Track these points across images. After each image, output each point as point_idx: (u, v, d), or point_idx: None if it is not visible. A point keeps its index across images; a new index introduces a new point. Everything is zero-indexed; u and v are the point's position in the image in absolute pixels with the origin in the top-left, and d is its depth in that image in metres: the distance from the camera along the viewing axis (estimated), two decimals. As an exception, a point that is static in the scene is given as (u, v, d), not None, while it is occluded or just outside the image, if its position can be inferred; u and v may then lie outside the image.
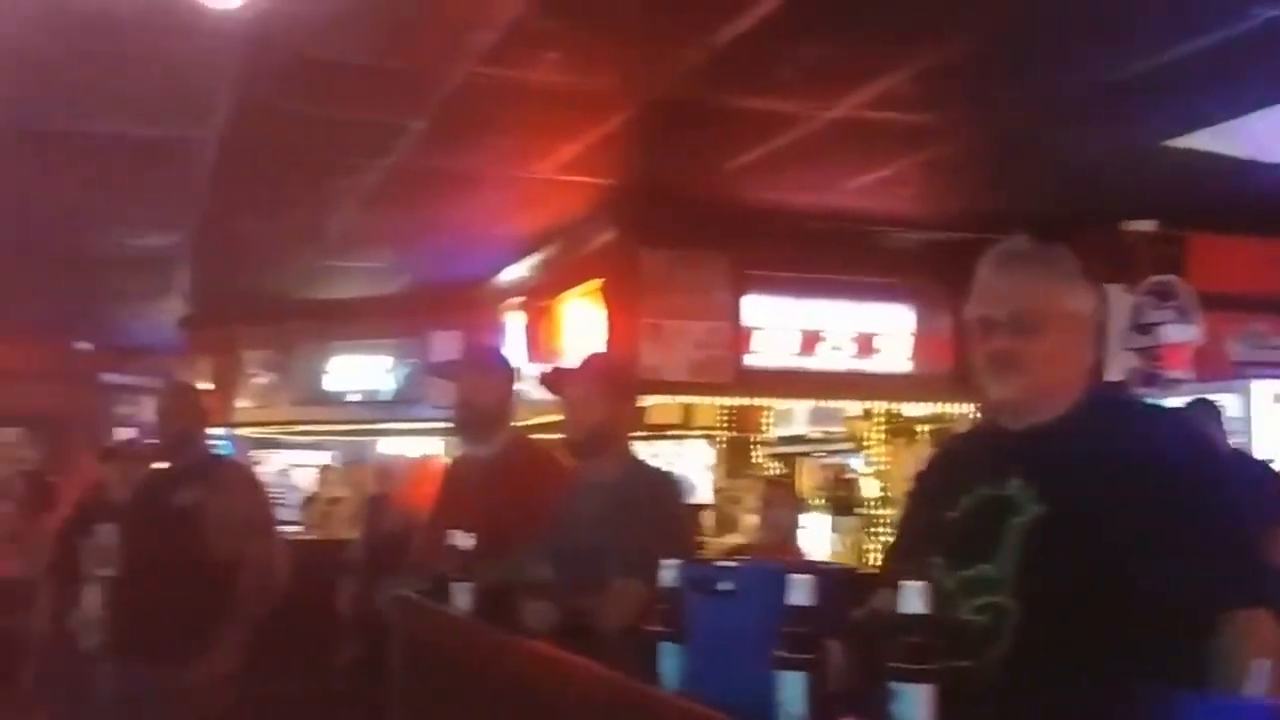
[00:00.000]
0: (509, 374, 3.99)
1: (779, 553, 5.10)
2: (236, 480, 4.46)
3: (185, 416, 4.45)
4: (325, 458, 10.45)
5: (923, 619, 1.55)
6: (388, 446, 10.02)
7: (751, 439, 7.49)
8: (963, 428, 6.28)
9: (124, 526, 4.30)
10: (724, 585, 1.84)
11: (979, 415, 5.29)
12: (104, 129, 5.03)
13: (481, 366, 4.00)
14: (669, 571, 1.95)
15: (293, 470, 10.49)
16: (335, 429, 9.77)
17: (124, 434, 11.19)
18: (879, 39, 3.94)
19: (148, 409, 11.51)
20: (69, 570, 4.75)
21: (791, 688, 1.63)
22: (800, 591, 1.66)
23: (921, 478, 2.22)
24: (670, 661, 1.89)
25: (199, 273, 7.95)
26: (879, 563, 6.65)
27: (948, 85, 4.32)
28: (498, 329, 7.87)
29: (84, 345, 10.90)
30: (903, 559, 2.11)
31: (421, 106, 4.55)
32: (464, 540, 3.10)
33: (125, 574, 4.20)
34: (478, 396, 3.78)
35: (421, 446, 8.59)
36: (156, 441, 4.60)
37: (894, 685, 1.51)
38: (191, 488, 4.18)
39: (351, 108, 4.56)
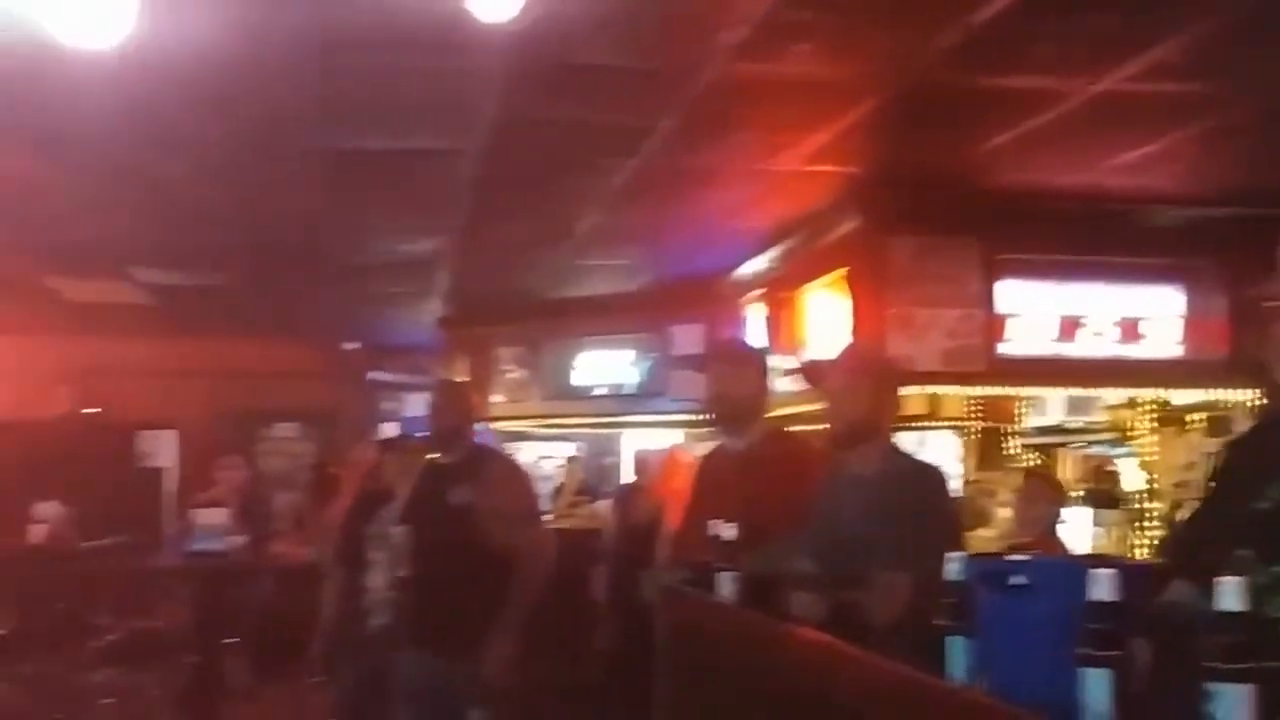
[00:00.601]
0: (763, 366, 4.02)
1: (1040, 547, 4.92)
2: (505, 473, 4.66)
3: (456, 412, 4.69)
4: (571, 450, 10.78)
5: (1242, 616, 1.48)
6: (631, 439, 10.24)
7: (1004, 430, 7.24)
8: (1245, 416, 5.90)
9: (407, 521, 4.57)
10: (1017, 579, 1.80)
11: (1262, 402, 4.94)
12: (375, 145, 5.36)
13: (735, 359, 4.05)
14: (955, 565, 1.93)
15: (542, 462, 10.85)
16: (582, 422, 10.05)
17: (389, 428, 11.92)
18: (1148, 6, 3.73)
19: (410, 404, 12.23)
20: (354, 556, 5.09)
21: (1096, 686, 1.58)
22: (1103, 586, 1.61)
23: (1222, 466, 2.11)
24: (958, 656, 1.87)
25: (457, 275, 8.34)
26: (1149, 557, 6.35)
27: (1221, 53, 4.05)
28: (739, 321, 7.91)
29: (353, 345, 11.62)
30: (1200, 550, 2.01)
31: (671, 106, 4.63)
32: (727, 531, 3.15)
33: (416, 571, 4.46)
34: (733, 389, 3.82)
35: (664, 439, 8.73)
36: (428, 435, 4.86)
37: (1211, 686, 1.45)
38: (465, 485, 4.39)
39: (605, 111, 4.69)
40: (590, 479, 10.22)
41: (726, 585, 3.07)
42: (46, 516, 7.69)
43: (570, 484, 9.96)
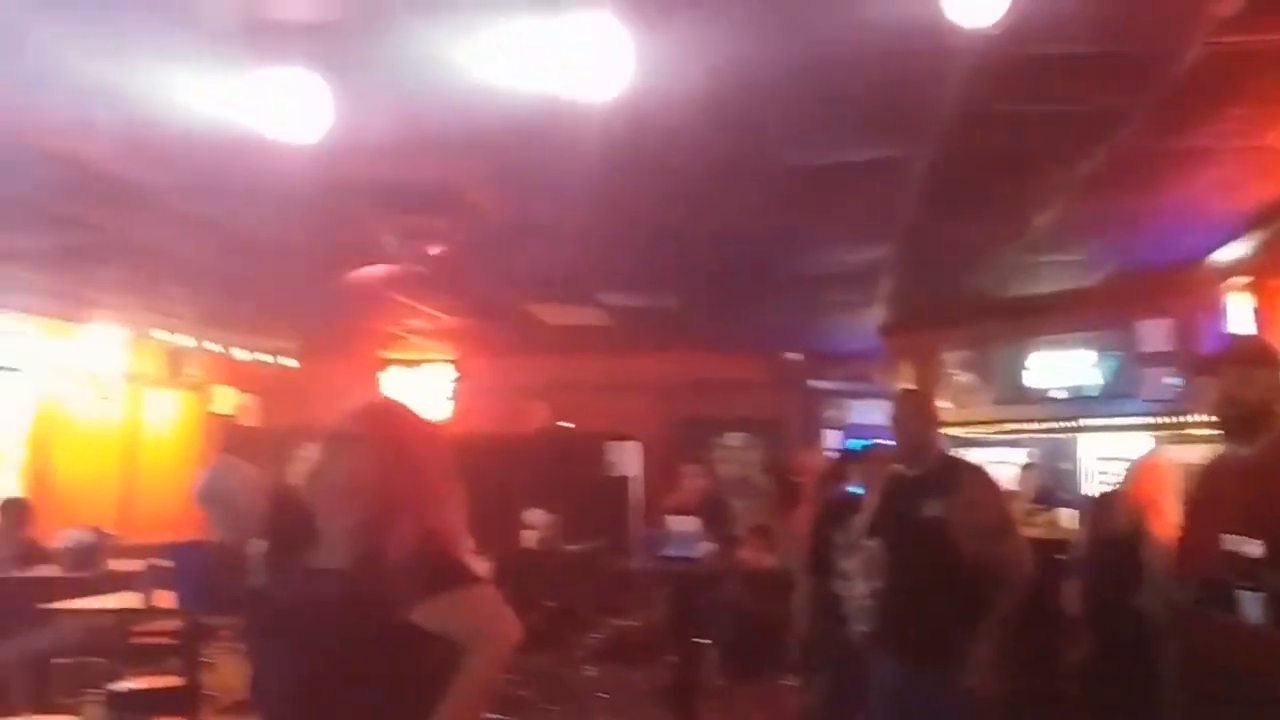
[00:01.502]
0: (1277, 365, 3.66)
1: None
2: (978, 485, 4.56)
3: (921, 423, 4.65)
4: (1022, 456, 10.35)
5: None
6: (1089, 444, 9.66)
7: None
8: None
9: (877, 532, 4.60)
10: None
11: None
12: (825, 160, 5.45)
13: (1252, 358, 3.70)
14: None
15: (995, 469, 10.49)
16: (1036, 427, 9.62)
17: (831, 437, 12.06)
18: None
19: (852, 411, 12.30)
20: (824, 564, 5.19)
21: None
22: None
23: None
24: None
25: (901, 280, 8.29)
26: None
27: None
28: (1216, 312, 7.24)
29: (793, 355, 11.88)
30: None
31: (1148, 87, 4.34)
32: (1250, 547, 2.89)
33: (889, 584, 4.49)
34: (1246, 391, 3.50)
35: (1130, 443, 8.15)
36: (892, 445, 4.86)
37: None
38: (936, 498, 4.35)
39: (1074, 99, 4.48)
40: (1046, 486, 9.75)
41: (1252, 606, 2.82)
42: (536, 523, 8.45)
43: (1026, 491, 9.56)
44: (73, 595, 6.59)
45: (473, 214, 6.22)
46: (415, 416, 2.53)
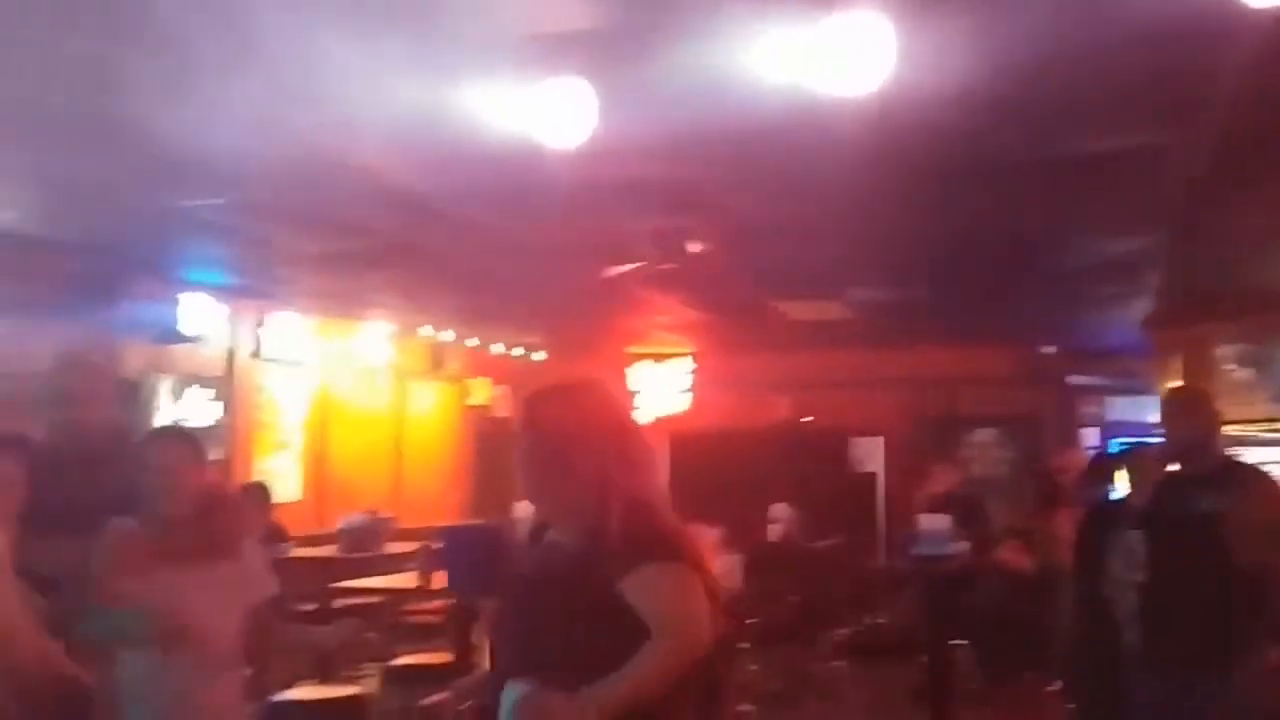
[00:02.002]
0: None
1: None
2: (1260, 486, 4.31)
3: (1200, 422, 4.43)
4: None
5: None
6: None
7: None
8: None
9: (1148, 533, 4.40)
10: None
11: None
12: (1088, 148, 5.23)
13: None
14: None
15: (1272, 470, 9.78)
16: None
17: (1089, 435, 11.54)
18: None
19: (1114, 409, 11.74)
20: (1092, 567, 4.99)
21: None
22: None
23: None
24: None
25: (1170, 272, 7.86)
26: None
27: None
28: None
29: (1049, 349, 11.42)
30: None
31: None
32: None
33: (1153, 581, 4.30)
34: None
35: None
36: (1164, 444, 4.63)
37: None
38: (1214, 497, 4.14)
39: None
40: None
41: None
42: (780, 516, 8.49)
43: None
44: (353, 575, 7.10)
45: (723, 212, 6.29)
46: (608, 391, 2.48)
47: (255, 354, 9.18)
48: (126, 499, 3.15)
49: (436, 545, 6.12)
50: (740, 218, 6.39)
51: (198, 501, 3.21)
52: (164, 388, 8.10)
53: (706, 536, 4.56)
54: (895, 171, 5.38)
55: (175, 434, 3.56)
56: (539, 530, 2.64)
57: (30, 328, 6.98)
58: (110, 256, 7.38)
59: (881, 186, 5.65)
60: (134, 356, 7.84)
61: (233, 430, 8.80)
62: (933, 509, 7.46)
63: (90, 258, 7.30)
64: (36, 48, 4.04)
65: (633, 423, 2.47)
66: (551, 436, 2.32)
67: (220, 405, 8.72)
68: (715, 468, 10.34)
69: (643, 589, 2.16)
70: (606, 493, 2.24)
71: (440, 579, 5.98)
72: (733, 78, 4.22)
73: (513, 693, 2.19)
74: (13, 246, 6.78)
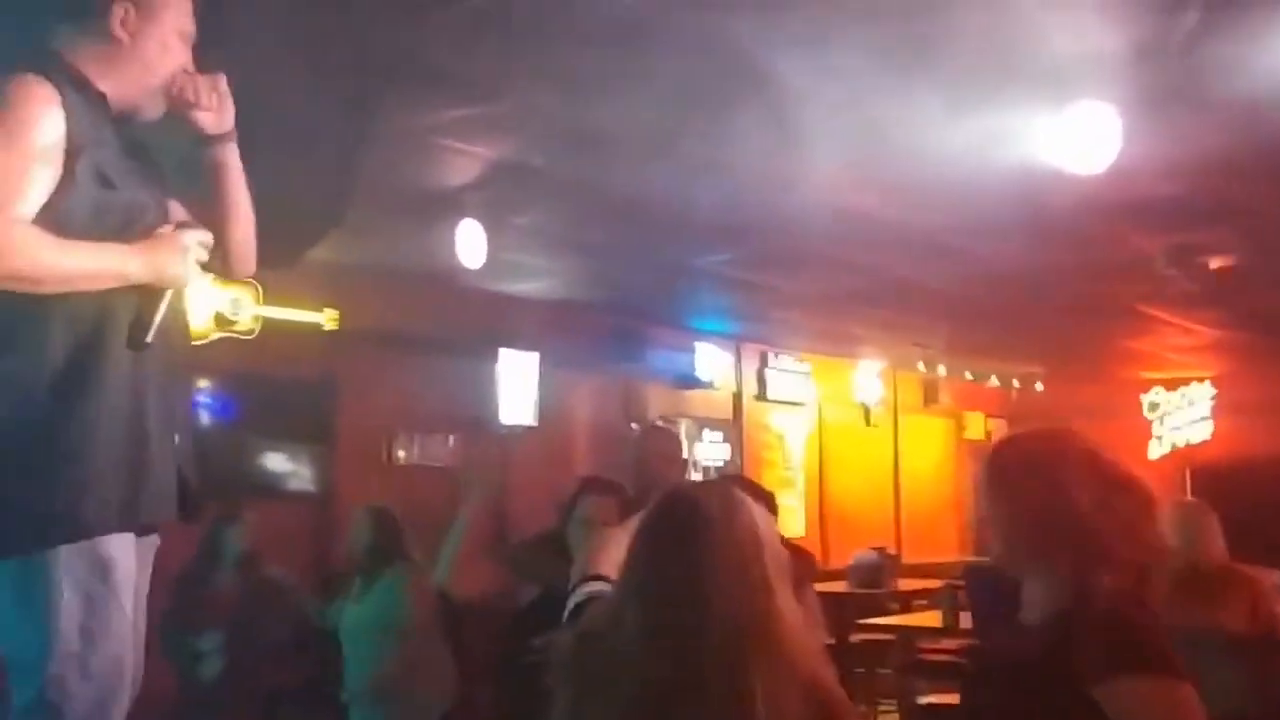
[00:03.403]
0: None
1: None
2: None
3: None
4: None
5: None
6: None
7: None
8: None
9: None
10: None
11: None
12: None
13: None
14: None
15: None
16: None
17: None
18: None
19: None
20: None
21: None
22: None
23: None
24: None
25: None
26: None
27: None
28: None
29: None
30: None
31: None
32: None
33: None
34: None
35: None
36: None
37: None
38: None
39: None
40: None
41: None
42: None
43: None
44: (864, 611, 7.21)
45: (1251, 225, 5.80)
46: (1088, 440, 2.08)
47: (760, 396, 9.65)
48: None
49: (958, 583, 6.07)
50: (1273, 231, 5.85)
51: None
52: (683, 431, 8.74)
53: (1266, 579, 4.17)
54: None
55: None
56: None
57: (576, 379, 7.88)
58: (636, 312, 8.13)
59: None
60: (657, 401, 8.54)
61: (742, 470, 9.29)
62: None
63: (619, 315, 8.09)
64: (563, 123, 4.56)
65: (1125, 475, 2.02)
66: (1021, 493, 2.02)
67: (729, 446, 9.26)
68: (1242, 503, 9.35)
69: (1132, 704, 1.81)
70: (1086, 568, 1.91)
71: (965, 618, 5.92)
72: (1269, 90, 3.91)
73: None
74: (558, 310, 7.67)
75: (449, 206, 5.29)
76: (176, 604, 4.75)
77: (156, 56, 2.02)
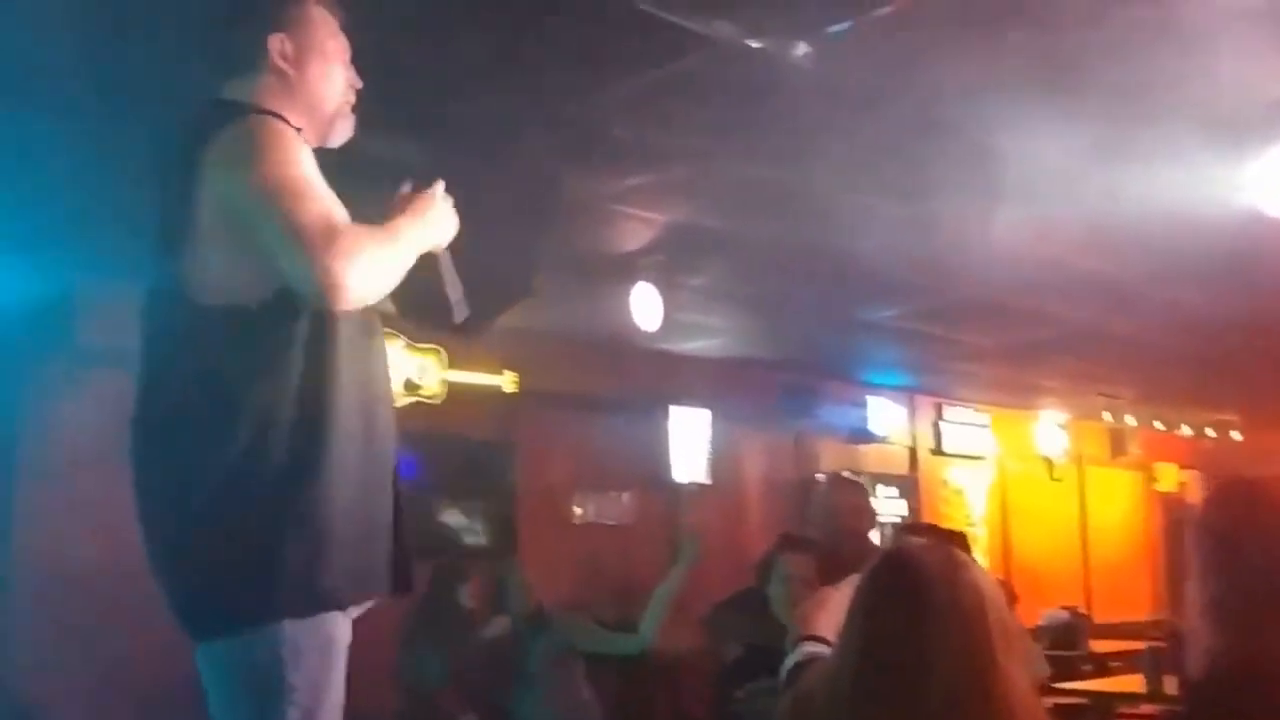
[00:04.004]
0: None
1: None
2: None
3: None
4: None
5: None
6: None
7: None
8: None
9: None
10: None
11: None
12: None
13: None
14: None
15: None
16: None
17: None
18: None
19: None
20: None
21: None
22: None
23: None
24: None
25: None
26: None
27: None
28: None
29: None
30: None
31: None
32: None
33: None
34: None
35: None
36: None
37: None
38: None
39: None
40: None
41: None
42: None
43: None
44: (1056, 675, 6.88)
45: None
46: None
47: (936, 450, 9.41)
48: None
49: (1160, 644, 5.74)
50: None
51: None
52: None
53: None
54: None
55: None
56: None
57: (748, 435, 7.85)
58: (807, 367, 8.07)
59: None
60: (829, 456, 8.43)
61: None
62: None
63: (791, 370, 8.03)
64: (737, 185, 4.58)
65: None
66: (1236, 550, 1.87)
67: (905, 502, 9.04)
68: None
69: None
70: None
71: (1171, 683, 5.59)
72: None
73: None
74: (729, 367, 7.67)
75: (625, 270, 5.37)
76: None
77: (323, 79, 2.00)
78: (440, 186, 2.02)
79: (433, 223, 1.98)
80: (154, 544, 1.85)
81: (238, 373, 1.79)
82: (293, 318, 1.82)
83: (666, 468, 7.37)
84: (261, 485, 1.79)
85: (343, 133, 2.05)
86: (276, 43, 1.94)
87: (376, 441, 1.95)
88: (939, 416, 9.46)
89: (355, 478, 1.87)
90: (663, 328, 5.65)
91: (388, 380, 2.05)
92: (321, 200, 1.80)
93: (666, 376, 7.30)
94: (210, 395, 1.80)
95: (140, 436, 1.89)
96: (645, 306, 5.42)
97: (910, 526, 4.47)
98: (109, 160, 3.90)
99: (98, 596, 4.70)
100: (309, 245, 1.73)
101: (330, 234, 1.75)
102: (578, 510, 7.13)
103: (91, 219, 4.27)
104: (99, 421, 4.81)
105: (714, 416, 7.51)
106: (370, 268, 1.79)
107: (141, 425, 1.89)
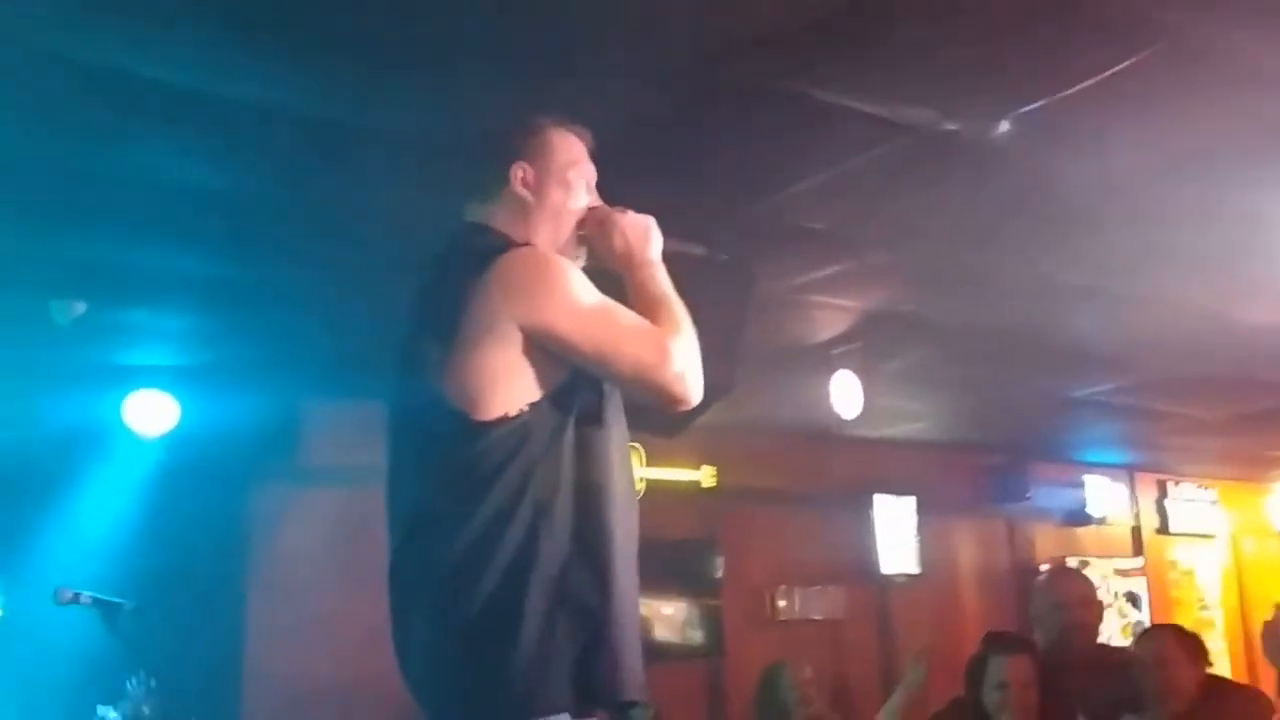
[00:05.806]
0: None
1: None
2: None
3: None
4: None
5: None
6: None
7: None
8: None
9: None
10: None
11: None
12: None
13: None
14: None
15: None
16: None
17: None
18: None
19: None
20: None
21: None
22: None
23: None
24: None
25: None
26: None
27: None
28: None
29: None
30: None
31: None
32: None
33: None
34: None
35: None
36: None
37: None
38: None
39: None
40: None
41: None
42: None
43: None
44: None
45: None
46: None
47: (1161, 529, 8.88)
48: (1131, 695, 3.21)
49: None
50: None
51: (1198, 696, 3.17)
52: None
53: None
54: None
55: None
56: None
57: (957, 522, 7.59)
58: (1016, 449, 7.77)
59: None
60: (1045, 541, 8.05)
61: (1150, 609, 8.52)
62: None
63: (998, 452, 7.75)
64: (932, 269, 4.47)
65: None
66: None
67: (1130, 585, 8.53)
68: None
69: None
70: None
71: None
72: None
73: None
74: (934, 451, 7.46)
75: (822, 360, 5.31)
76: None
77: (563, 206, 2.02)
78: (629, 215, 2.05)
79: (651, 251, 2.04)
80: (434, 662, 1.82)
81: (515, 475, 1.79)
82: (565, 415, 1.85)
83: (873, 559, 7.17)
84: (558, 585, 1.78)
85: (583, 257, 2.07)
86: (519, 171, 2.01)
87: (634, 538, 1.93)
88: (1162, 494, 8.93)
89: (631, 576, 1.88)
90: (863, 415, 5.54)
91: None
92: (627, 313, 1.90)
93: (869, 465, 7.15)
94: (488, 500, 1.79)
95: (407, 552, 1.87)
96: (845, 395, 5.33)
97: (1155, 629, 4.22)
98: (329, 289, 4.13)
99: (328, 713, 4.82)
100: (650, 365, 1.86)
101: (660, 347, 1.86)
102: (782, 603, 7.00)
103: (313, 344, 4.50)
104: (324, 538, 5.04)
105: (920, 504, 7.29)
106: (693, 356, 1.89)
107: (409, 540, 1.87)
